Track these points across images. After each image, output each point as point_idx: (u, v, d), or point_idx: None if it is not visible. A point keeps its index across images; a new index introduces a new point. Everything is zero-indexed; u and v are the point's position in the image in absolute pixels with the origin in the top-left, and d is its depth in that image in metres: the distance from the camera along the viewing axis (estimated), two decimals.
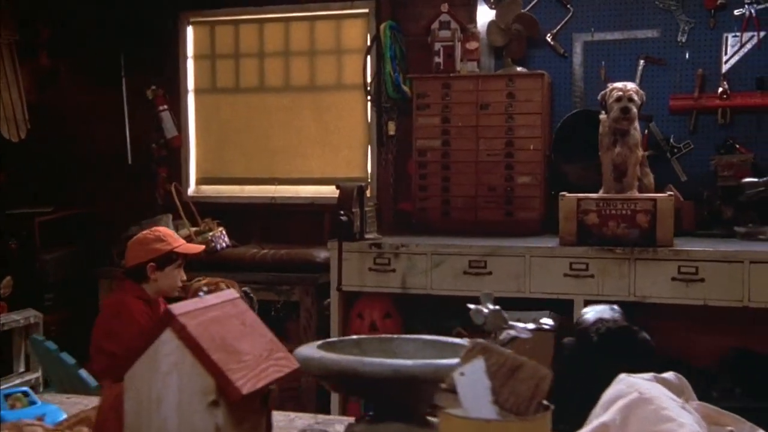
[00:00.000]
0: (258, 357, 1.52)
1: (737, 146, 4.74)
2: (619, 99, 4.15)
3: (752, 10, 4.71)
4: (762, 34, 4.72)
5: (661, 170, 4.71)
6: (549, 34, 5.01)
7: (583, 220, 4.19)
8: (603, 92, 4.27)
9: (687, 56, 4.84)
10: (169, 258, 3.65)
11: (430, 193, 4.87)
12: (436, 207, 4.86)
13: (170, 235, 3.71)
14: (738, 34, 4.75)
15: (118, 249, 5.21)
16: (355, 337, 1.87)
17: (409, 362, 1.60)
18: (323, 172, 5.55)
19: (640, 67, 4.89)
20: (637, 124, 4.27)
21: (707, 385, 4.30)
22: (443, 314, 4.72)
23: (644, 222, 4.11)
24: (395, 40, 5.19)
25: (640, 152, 4.31)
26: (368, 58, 5.33)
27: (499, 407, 1.44)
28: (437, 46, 4.90)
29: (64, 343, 3.61)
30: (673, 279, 4.04)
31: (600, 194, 4.25)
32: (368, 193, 5.37)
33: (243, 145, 5.68)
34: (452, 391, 1.45)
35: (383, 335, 1.92)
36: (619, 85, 4.22)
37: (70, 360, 2.43)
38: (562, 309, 4.31)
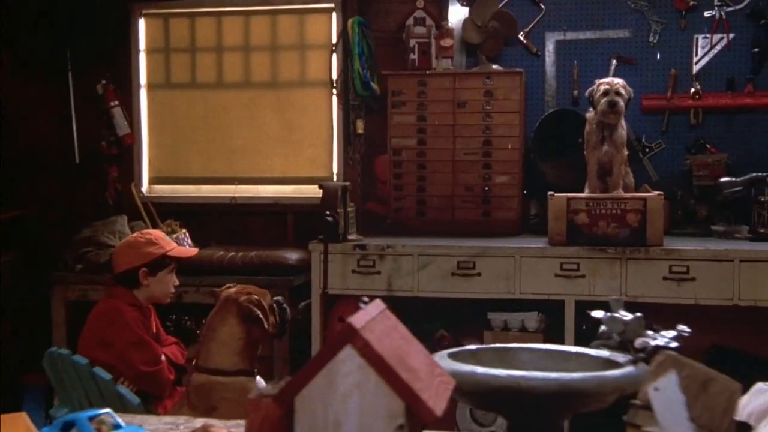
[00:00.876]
0: (428, 373, 1.39)
1: (708, 146, 4.80)
2: (606, 93, 4.14)
3: (722, 12, 4.78)
4: (731, 36, 4.78)
5: (633, 170, 4.71)
6: (522, 33, 4.97)
7: (573, 220, 4.16)
8: (590, 88, 4.25)
9: (658, 57, 4.87)
10: (162, 262, 3.45)
11: (406, 193, 4.77)
12: (411, 207, 4.76)
13: (161, 238, 3.51)
14: (708, 35, 4.82)
15: (73, 253, 4.94)
16: (473, 347, 1.75)
17: (574, 376, 1.50)
18: (286, 172, 5.38)
19: (612, 67, 4.90)
20: (623, 122, 4.27)
21: None
22: (425, 317, 4.63)
23: (634, 221, 4.11)
24: (363, 37, 5.06)
25: (626, 151, 4.31)
26: (334, 54, 5.18)
27: (694, 424, 1.35)
28: (412, 42, 4.80)
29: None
30: (665, 278, 4.05)
31: (589, 194, 4.22)
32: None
33: (200, 144, 5.46)
34: (647, 407, 1.36)
35: (498, 345, 1.80)
36: (606, 80, 4.21)
37: (104, 375, 2.23)
38: (552, 310, 4.28)
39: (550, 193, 4.25)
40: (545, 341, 4.25)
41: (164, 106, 5.48)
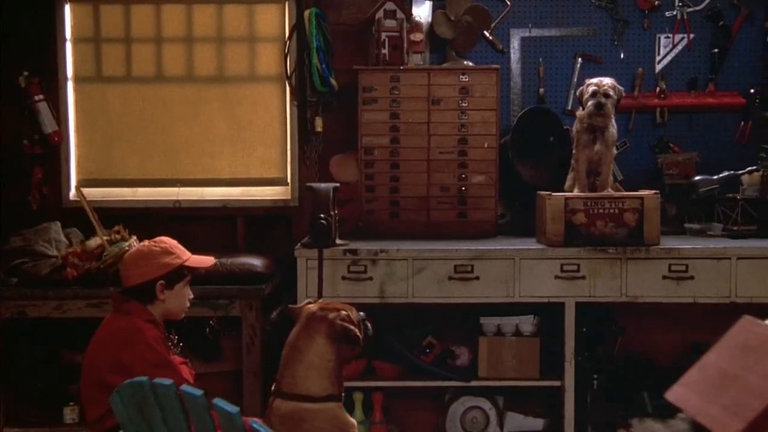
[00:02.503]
0: None
1: (671, 145, 4.84)
2: (594, 94, 4.09)
3: (683, 13, 4.83)
4: (692, 36, 4.85)
5: None
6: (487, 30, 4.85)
7: (570, 220, 4.08)
8: (580, 88, 4.19)
9: (622, 56, 4.87)
10: (180, 274, 3.09)
11: (378, 194, 4.55)
12: (384, 208, 4.55)
13: (177, 246, 3.15)
14: (670, 35, 4.86)
15: (5, 265, 4.42)
16: None
17: None
18: (235, 173, 5.03)
19: (578, 65, 4.86)
20: (614, 121, 4.22)
21: (671, 380, 4.34)
22: (410, 323, 4.44)
23: (632, 221, 4.07)
24: (320, 30, 4.79)
25: (615, 150, 4.27)
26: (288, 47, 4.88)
27: None
28: (383, 36, 4.58)
29: None
30: (664, 277, 4.03)
31: (588, 193, 4.15)
32: (289, 196, 4.97)
33: (137, 142, 5.01)
34: None
35: None
36: (594, 80, 4.16)
37: (230, 408, 1.88)
38: (552, 313, 4.18)
39: (547, 193, 4.14)
40: (542, 345, 4.16)
41: (95, 101, 5.00)
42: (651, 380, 4.26)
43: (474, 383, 4.18)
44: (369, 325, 2.89)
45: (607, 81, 4.12)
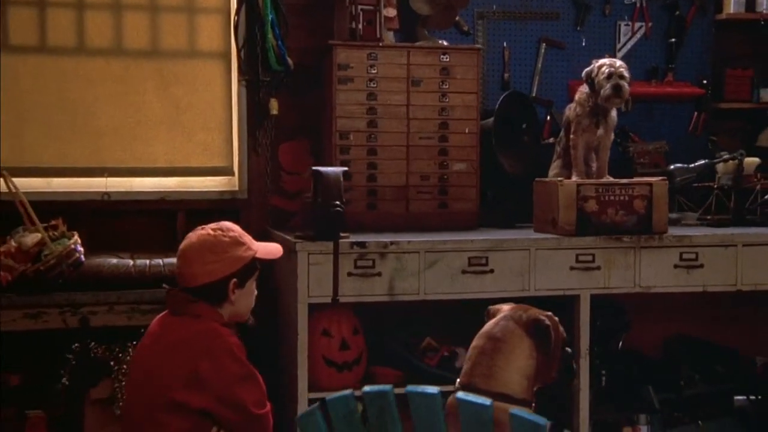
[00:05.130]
0: None
1: (631, 135, 4.76)
2: (610, 76, 3.89)
3: (642, 0, 4.77)
4: (650, 25, 4.79)
5: None
6: None
7: (582, 208, 3.85)
8: (589, 69, 3.98)
9: (584, 42, 4.74)
10: (252, 268, 2.55)
11: (354, 183, 4.10)
12: (360, 199, 4.11)
13: (245, 235, 2.59)
14: (629, 23, 4.78)
15: None
16: None
17: None
18: (172, 161, 4.40)
19: (542, 50, 4.67)
20: None
21: (666, 374, 4.25)
22: (405, 322, 4.05)
23: (641, 208, 3.90)
24: (274, 3, 4.30)
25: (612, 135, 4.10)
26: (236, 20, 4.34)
27: None
28: (357, 9, 4.15)
29: None
30: (675, 266, 3.90)
31: (597, 180, 3.94)
32: (237, 187, 4.42)
33: (54, 125, 4.26)
34: None
35: None
36: (606, 61, 3.96)
37: (540, 421, 1.43)
38: (563, 306, 3.91)
39: (559, 179, 3.90)
40: None
41: (0, 75, 4.20)
42: (651, 374, 4.11)
43: None
44: (549, 327, 2.46)
45: (619, 62, 3.93)
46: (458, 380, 2.35)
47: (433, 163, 4.18)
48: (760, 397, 4.24)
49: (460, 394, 1.65)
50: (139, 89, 4.34)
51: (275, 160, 4.43)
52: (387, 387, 1.68)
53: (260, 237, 4.02)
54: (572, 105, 4.08)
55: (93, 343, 3.69)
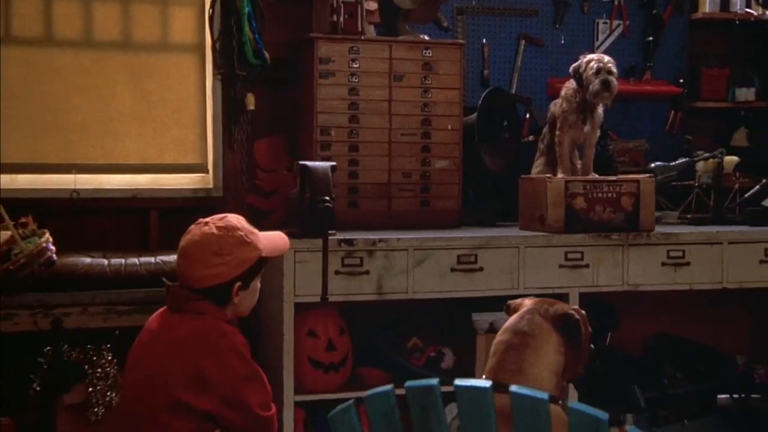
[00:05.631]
0: None
1: (609, 133, 4.72)
2: (598, 71, 3.84)
3: None
4: (628, 23, 4.77)
5: None
6: None
7: (571, 205, 3.79)
8: (576, 64, 3.92)
9: (562, 40, 4.69)
10: (258, 267, 2.42)
11: (336, 180, 3.94)
12: (341, 196, 3.98)
13: (252, 232, 2.46)
14: (607, 21, 4.75)
15: None
16: None
17: None
18: (144, 157, 4.24)
19: (521, 47, 4.62)
20: None
21: (649, 373, 4.22)
22: (392, 322, 3.94)
23: (628, 205, 3.86)
24: None
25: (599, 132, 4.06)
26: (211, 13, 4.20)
27: None
28: (338, 2, 4.04)
29: None
30: (663, 264, 3.86)
31: (585, 176, 3.89)
32: (211, 185, 4.28)
33: (18, 119, 4.06)
34: None
35: None
36: (594, 56, 3.91)
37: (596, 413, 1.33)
38: None
39: (547, 176, 3.84)
40: None
41: None
42: (635, 372, 4.06)
43: None
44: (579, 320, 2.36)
45: (607, 57, 3.88)
46: (483, 376, 2.25)
47: (416, 160, 4.10)
48: (743, 395, 4.22)
49: (515, 388, 1.55)
50: (109, 83, 4.17)
51: (251, 157, 4.29)
52: (433, 381, 1.58)
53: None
54: (558, 101, 4.03)
55: (66, 346, 3.51)
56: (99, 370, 3.54)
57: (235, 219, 2.42)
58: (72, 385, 3.53)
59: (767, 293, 4.24)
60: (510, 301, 2.43)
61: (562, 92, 3.99)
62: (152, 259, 3.67)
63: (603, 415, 1.48)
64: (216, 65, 4.20)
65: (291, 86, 4.25)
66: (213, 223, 2.37)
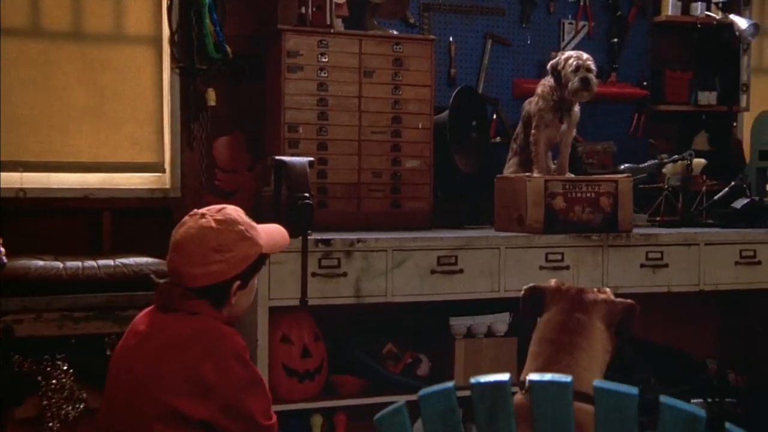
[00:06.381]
0: None
1: (576, 135, 4.63)
2: (577, 69, 3.74)
3: (586, 0, 4.68)
4: (593, 24, 4.70)
5: (504, 157, 4.33)
6: None
7: (550, 205, 3.68)
8: (554, 61, 3.82)
9: (529, 40, 4.60)
10: (259, 264, 2.22)
11: None
12: None
13: (252, 226, 2.24)
14: (573, 21, 4.68)
15: None
16: None
17: None
18: (97, 155, 3.99)
19: (488, 46, 4.50)
20: None
21: (622, 377, 4.11)
22: (365, 328, 3.77)
23: (607, 205, 3.77)
24: None
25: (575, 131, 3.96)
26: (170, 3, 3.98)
27: None
28: None
29: None
30: (642, 266, 3.78)
31: (565, 176, 3.78)
32: (168, 185, 4.06)
33: None
34: None
35: None
36: (573, 53, 3.81)
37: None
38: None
39: (527, 174, 3.72)
40: (520, 346, 3.70)
41: None
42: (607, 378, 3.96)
43: None
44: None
45: (586, 55, 3.79)
46: (527, 378, 2.06)
47: (386, 159, 3.95)
48: (717, 399, 4.16)
49: (598, 382, 1.39)
50: (59, 75, 3.91)
51: (210, 156, 4.07)
52: (504, 377, 1.41)
53: None
54: (533, 99, 3.92)
55: (17, 356, 3.23)
56: (53, 381, 3.27)
57: (234, 211, 2.21)
58: (24, 398, 3.25)
59: (737, 295, 4.20)
60: (525, 287, 2.26)
61: (539, 90, 3.88)
62: (111, 262, 3.41)
63: (700, 412, 1.34)
64: (174, 58, 3.99)
65: (253, 82, 4.07)
66: (210, 215, 2.16)
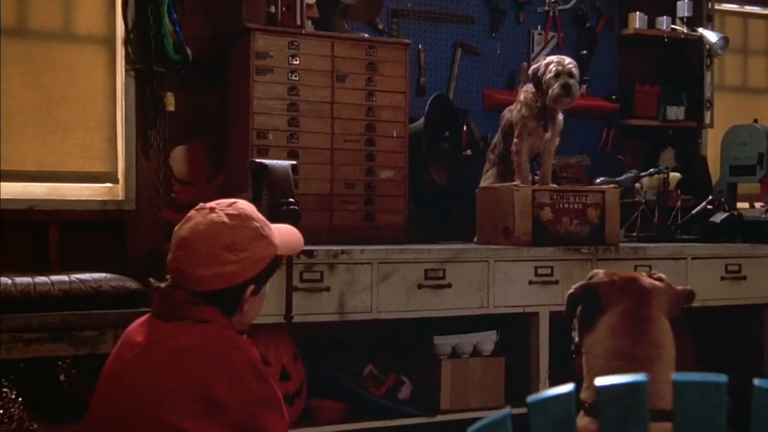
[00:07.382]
0: None
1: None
2: (558, 75, 3.58)
3: (554, 10, 4.54)
4: (562, 35, 4.57)
5: (477, 170, 4.14)
6: None
7: (538, 216, 3.49)
8: (535, 67, 3.65)
9: (498, 50, 4.44)
10: (273, 267, 1.94)
11: None
12: None
13: (266, 224, 1.96)
14: (542, 32, 4.54)
15: None
16: None
17: None
18: (42, 163, 3.64)
19: (458, 55, 4.32)
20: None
21: None
22: (348, 349, 3.50)
23: (594, 217, 3.61)
24: None
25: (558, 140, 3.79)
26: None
27: None
28: None
29: None
30: None
31: (552, 186, 3.60)
32: (122, 196, 3.74)
33: None
34: None
35: None
36: (554, 58, 3.65)
37: None
38: (519, 324, 3.52)
39: (514, 184, 3.52)
40: (508, 366, 3.48)
41: None
42: None
43: (439, 418, 3.33)
44: None
45: (568, 59, 3.63)
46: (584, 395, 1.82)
47: (359, 169, 3.71)
48: None
49: (759, 382, 1.17)
50: (1, 75, 3.55)
51: (168, 166, 3.77)
52: (641, 378, 1.17)
53: (155, 256, 3.40)
54: (513, 106, 3.75)
55: None
56: (0, 411, 2.91)
57: (248, 206, 1.93)
58: None
59: (714, 312, 4.07)
60: (579, 286, 2.03)
61: (521, 96, 3.70)
62: (66, 278, 3.07)
63: None
64: (129, 60, 3.69)
65: (213, 87, 3.80)
66: (221, 209, 1.87)
